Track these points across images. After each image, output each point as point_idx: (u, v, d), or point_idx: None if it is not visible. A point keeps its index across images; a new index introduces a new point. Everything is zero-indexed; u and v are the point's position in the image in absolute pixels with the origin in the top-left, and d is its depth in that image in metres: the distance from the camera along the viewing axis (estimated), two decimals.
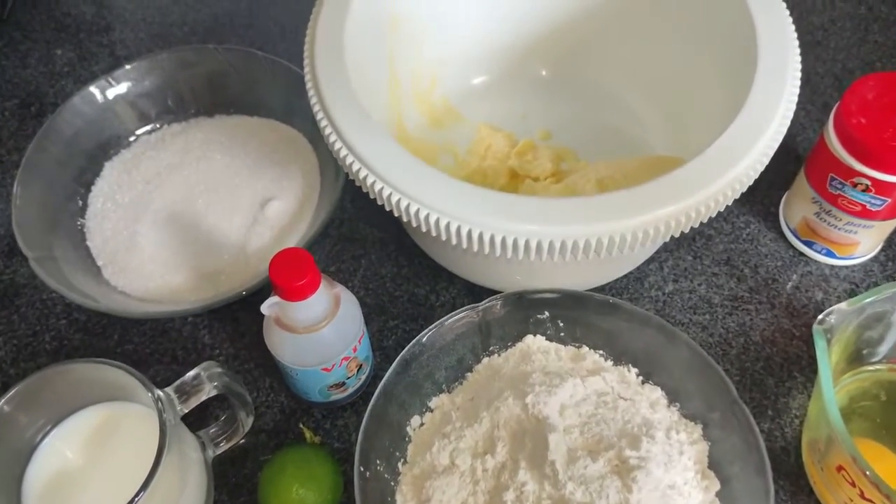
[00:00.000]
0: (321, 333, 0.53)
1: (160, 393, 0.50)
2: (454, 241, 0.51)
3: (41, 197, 0.68)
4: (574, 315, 0.60)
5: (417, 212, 0.51)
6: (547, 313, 0.60)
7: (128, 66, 0.74)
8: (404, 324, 0.66)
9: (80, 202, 0.71)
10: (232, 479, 0.59)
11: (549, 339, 0.61)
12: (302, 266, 0.50)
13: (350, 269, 0.69)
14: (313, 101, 0.56)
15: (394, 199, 0.52)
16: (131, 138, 0.75)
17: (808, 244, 0.68)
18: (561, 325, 0.60)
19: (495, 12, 0.72)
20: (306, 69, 0.58)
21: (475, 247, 0.51)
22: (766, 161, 0.53)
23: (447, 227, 0.51)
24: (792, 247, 0.70)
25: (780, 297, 0.67)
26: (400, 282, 0.68)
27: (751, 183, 0.53)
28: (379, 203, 0.53)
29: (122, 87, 0.74)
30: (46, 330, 0.67)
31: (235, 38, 0.88)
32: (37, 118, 0.81)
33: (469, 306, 0.59)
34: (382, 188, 0.52)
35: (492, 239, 0.50)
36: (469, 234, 0.50)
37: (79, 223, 0.70)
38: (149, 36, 0.89)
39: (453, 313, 0.58)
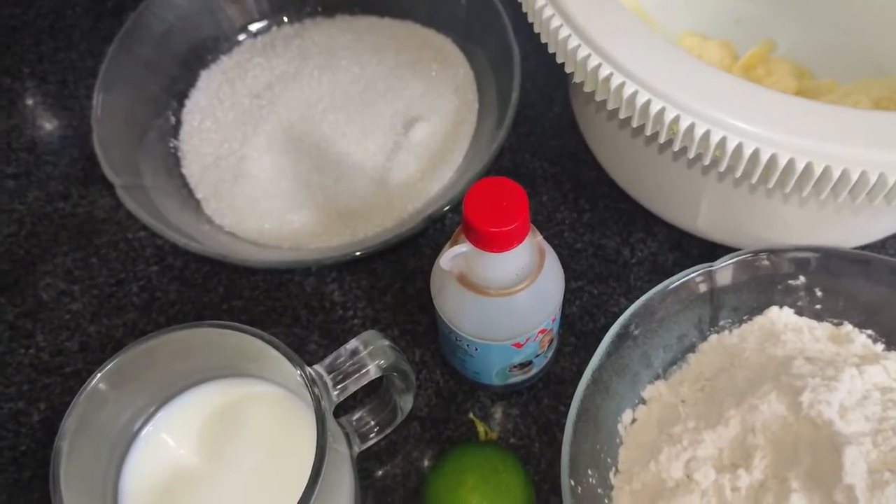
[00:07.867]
0: (519, 297, 0.39)
1: (312, 372, 0.36)
2: (738, 172, 0.37)
3: (127, 109, 0.53)
4: (836, 283, 0.45)
5: (692, 128, 0.36)
6: (802, 279, 0.45)
7: None
8: (591, 286, 0.51)
9: (173, 119, 0.56)
10: (378, 480, 0.45)
11: (799, 312, 0.46)
12: (513, 204, 0.35)
13: None
14: None
15: (652, 110, 0.36)
16: (238, 38, 0.60)
17: None
18: (819, 294, 0.45)
19: None
20: None
21: (790, 184, 0.36)
22: None
23: (753, 154, 0.36)
24: None
25: None
26: (581, 230, 0.53)
27: None
28: (611, 107, 0.38)
29: None
30: (134, 278, 0.53)
31: None
32: (114, 15, 0.66)
33: (698, 267, 0.44)
34: (636, 93, 0.37)
35: (807, 168, 0.35)
36: (792, 164, 0.36)
37: (171, 145, 0.56)
38: None
39: (680, 276, 0.44)
